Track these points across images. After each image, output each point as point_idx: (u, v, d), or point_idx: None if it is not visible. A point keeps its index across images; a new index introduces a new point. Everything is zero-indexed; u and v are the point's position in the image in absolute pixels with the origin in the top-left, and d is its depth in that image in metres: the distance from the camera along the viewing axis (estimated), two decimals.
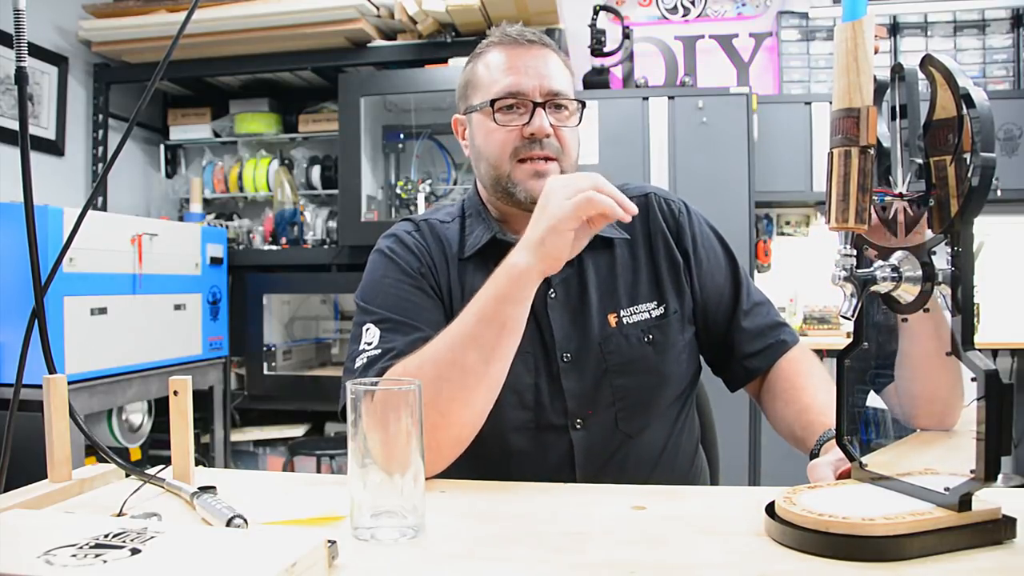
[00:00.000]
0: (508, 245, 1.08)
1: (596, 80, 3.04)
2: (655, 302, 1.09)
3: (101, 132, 3.13)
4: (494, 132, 1.06)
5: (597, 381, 1.04)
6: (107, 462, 0.90)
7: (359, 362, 0.99)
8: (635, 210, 0.90)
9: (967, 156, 0.62)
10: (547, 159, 1.05)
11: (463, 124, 1.15)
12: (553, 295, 1.07)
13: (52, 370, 0.82)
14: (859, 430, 0.78)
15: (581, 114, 1.10)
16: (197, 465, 0.87)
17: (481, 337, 0.89)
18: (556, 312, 1.06)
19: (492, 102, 1.05)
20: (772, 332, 1.11)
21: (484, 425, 0.93)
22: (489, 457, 1.01)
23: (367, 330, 1.02)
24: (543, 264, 0.89)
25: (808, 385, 1.03)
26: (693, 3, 3.37)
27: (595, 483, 0.89)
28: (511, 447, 1.04)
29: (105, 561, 0.54)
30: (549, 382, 1.05)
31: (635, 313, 1.08)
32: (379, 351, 0.99)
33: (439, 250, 1.11)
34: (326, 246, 3.05)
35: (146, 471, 0.86)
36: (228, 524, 0.69)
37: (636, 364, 1.05)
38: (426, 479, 0.72)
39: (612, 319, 1.07)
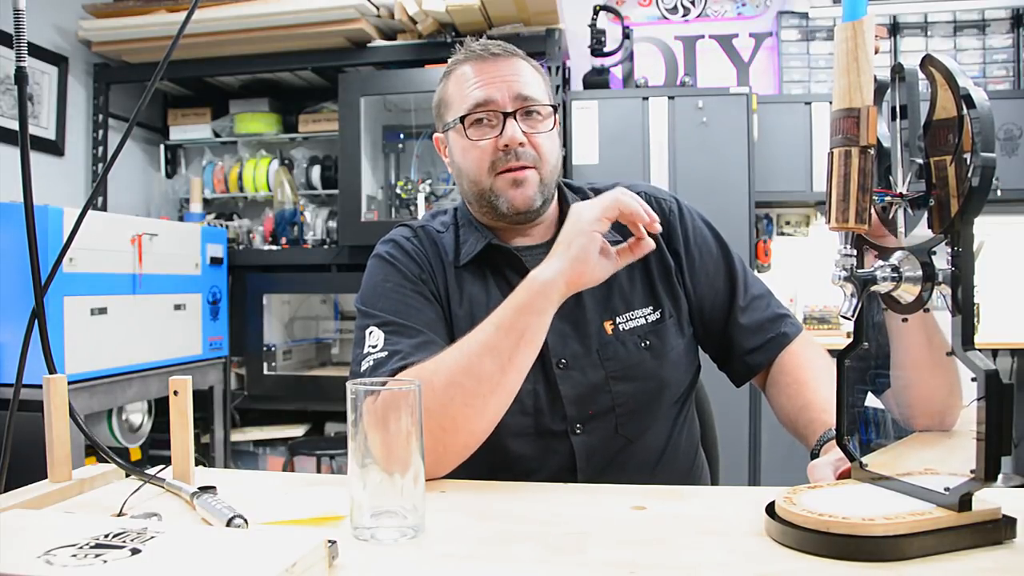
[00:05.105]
0: (503, 252, 1.08)
1: (596, 80, 3.04)
2: (650, 307, 1.09)
3: (101, 132, 3.13)
4: (469, 149, 1.06)
5: (596, 387, 1.04)
6: (107, 462, 0.90)
7: (365, 365, 0.99)
8: (658, 223, 0.94)
9: (967, 156, 0.62)
10: (524, 168, 1.05)
11: (443, 143, 1.15)
12: None
13: (52, 370, 0.82)
14: (859, 430, 0.78)
15: (555, 119, 1.09)
16: (197, 465, 0.87)
17: (499, 346, 0.89)
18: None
19: (462, 118, 1.05)
20: (772, 326, 1.10)
21: None
22: (490, 462, 1.01)
23: (370, 333, 1.02)
24: (571, 271, 0.90)
25: (810, 380, 1.02)
26: (693, 3, 3.37)
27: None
28: (512, 452, 1.04)
29: (105, 561, 0.54)
30: (547, 388, 1.04)
31: (631, 319, 1.07)
32: (385, 353, 0.98)
33: (436, 257, 1.11)
34: (326, 246, 3.05)
35: (146, 471, 0.86)
36: (228, 524, 0.69)
37: (634, 370, 1.05)
38: (426, 480, 0.72)
39: (608, 326, 1.07)
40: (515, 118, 1.03)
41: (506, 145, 1.03)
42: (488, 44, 1.09)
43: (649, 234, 1.10)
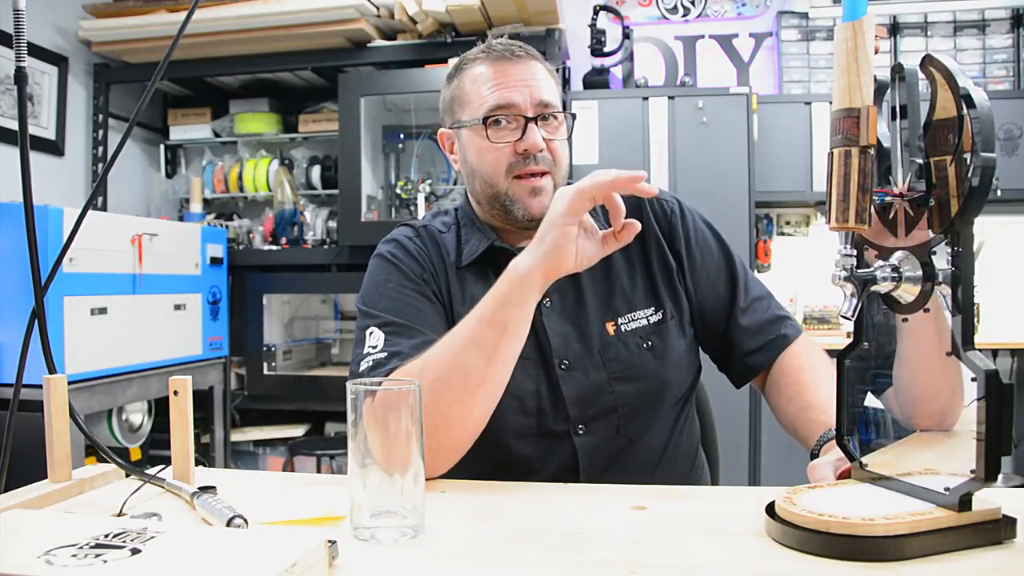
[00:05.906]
0: (505, 253, 1.08)
1: (596, 80, 3.04)
2: (652, 308, 1.09)
3: (101, 132, 3.13)
4: (487, 151, 1.05)
5: (598, 388, 1.04)
6: (107, 462, 0.90)
7: (364, 365, 0.99)
8: (643, 175, 0.88)
9: (967, 156, 0.62)
10: (541, 174, 1.05)
11: (450, 138, 1.14)
12: (548, 304, 1.06)
13: (52, 370, 0.82)
14: (859, 430, 0.78)
15: (571, 125, 1.09)
16: (197, 465, 0.87)
17: (482, 339, 0.89)
18: (552, 320, 1.06)
19: (484, 120, 1.04)
20: (772, 327, 1.11)
21: (487, 431, 0.93)
22: (493, 462, 1.01)
23: (371, 334, 1.02)
24: (545, 264, 0.89)
25: (811, 381, 1.02)
26: (693, 3, 3.37)
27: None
28: (514, 452, 1.04)
29: (105, 561, 0.54)
30: (549, 389, 1.04)
31: (633, 320, 1.07)
32: (384, 354, 0.98)
33: (438, 257, 1.11)
34: (326, 246, 3.05)
35: (146, 471, 0.86)
36: (228, 524, 0.69)
37: (636, 371, 1.05)
38: (426, 480, 0.72)
39: (610, 327, 1.07)
40: (536, 123, 1.04)
41: (526, 150, 1.03)
42: (511, 45, 1.08)
43: (650, 235, 1.11)
